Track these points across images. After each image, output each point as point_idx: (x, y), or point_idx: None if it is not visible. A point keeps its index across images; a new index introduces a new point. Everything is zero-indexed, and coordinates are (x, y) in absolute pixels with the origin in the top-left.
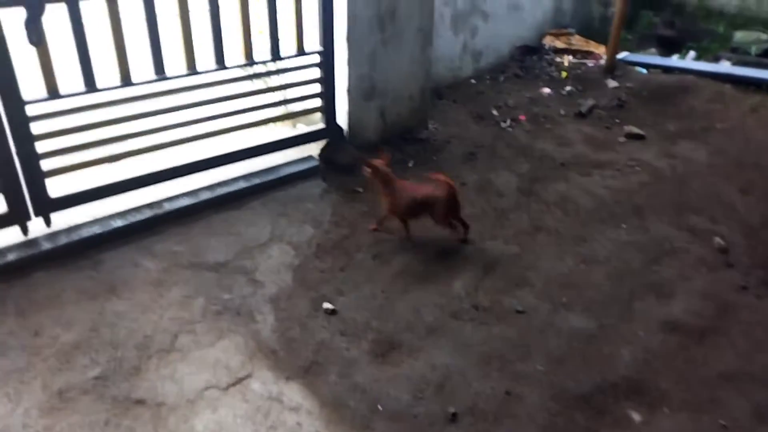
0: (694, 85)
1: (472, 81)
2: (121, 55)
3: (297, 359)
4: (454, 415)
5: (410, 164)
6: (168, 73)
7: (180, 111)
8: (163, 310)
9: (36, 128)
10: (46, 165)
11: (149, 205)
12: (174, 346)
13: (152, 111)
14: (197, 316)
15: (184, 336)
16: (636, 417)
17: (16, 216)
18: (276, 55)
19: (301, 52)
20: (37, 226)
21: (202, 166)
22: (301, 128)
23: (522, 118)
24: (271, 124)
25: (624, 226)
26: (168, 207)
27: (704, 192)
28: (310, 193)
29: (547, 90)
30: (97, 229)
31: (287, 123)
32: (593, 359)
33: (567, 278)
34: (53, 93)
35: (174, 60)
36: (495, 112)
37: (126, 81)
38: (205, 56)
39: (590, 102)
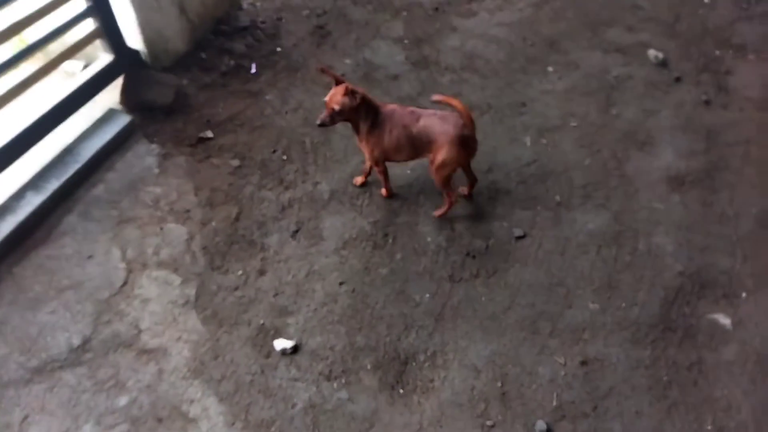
0: None
1: None
2: None
3: None
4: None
5: (253, 70)
6: None
7: None
8: None
9: None
10: None
11: None
12: None
13: None
14: None
15: None
16: (725, 321)
17: None
18: None
19: None
20: None
21: None
22: (79, 72)
23: None
24: (29, 88)
25: (551, 69)
26: None
27: None
28: (144, 169)
29: None
30: None
31: (55, 74)
32: (638, 266)
33: (539, 166)
34: None
35: None
36: None
37: None
38: None
39: None
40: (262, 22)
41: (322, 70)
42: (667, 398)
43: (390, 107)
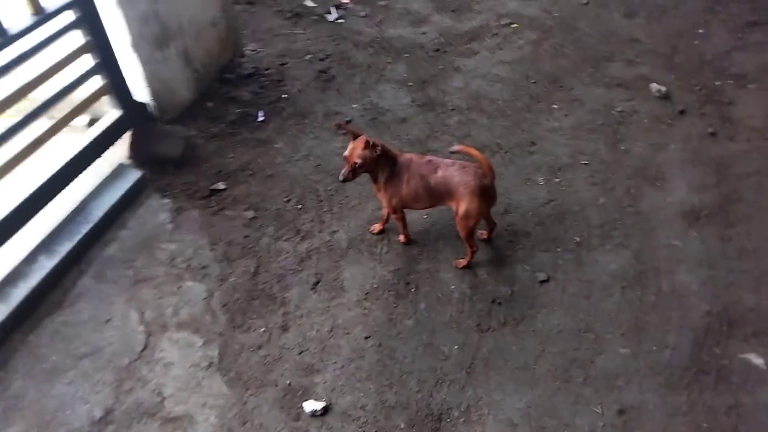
0: None
1: None
2: None
3: None
4: None
5: (261, 117)
6: None
7: None
8: None
9: None
10: None
11: None
12: None
13: None
14: None
15: None
16: (757, 360)
17: None
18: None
19: (41, 15)
20: None
21: None
22: (84, 126)
23: (345, 0)
24: (37, 148)
25: (555, 106)
26: None
27: (597, 32)
28: (157, 225)
29: None
30: None
31: (62, 134)
32: (664, 307)
33: (555, 205)
34: None
35: None
36: (310, 2)
37: None
38: None
39: None
40: (266, 69)
41: (339, 126)
42: None
43: (407, 156)
